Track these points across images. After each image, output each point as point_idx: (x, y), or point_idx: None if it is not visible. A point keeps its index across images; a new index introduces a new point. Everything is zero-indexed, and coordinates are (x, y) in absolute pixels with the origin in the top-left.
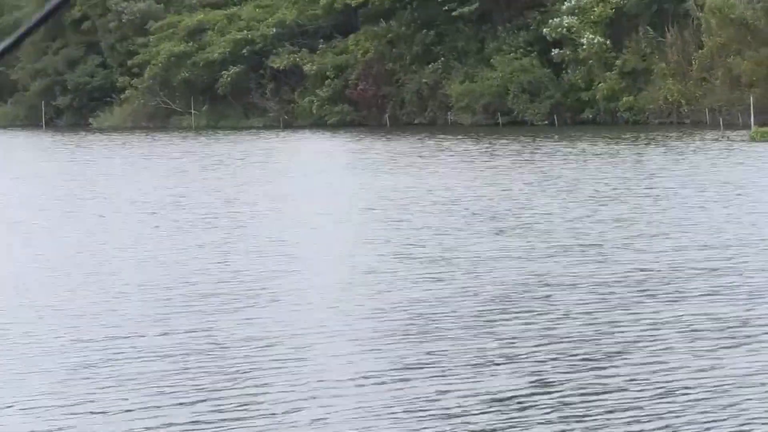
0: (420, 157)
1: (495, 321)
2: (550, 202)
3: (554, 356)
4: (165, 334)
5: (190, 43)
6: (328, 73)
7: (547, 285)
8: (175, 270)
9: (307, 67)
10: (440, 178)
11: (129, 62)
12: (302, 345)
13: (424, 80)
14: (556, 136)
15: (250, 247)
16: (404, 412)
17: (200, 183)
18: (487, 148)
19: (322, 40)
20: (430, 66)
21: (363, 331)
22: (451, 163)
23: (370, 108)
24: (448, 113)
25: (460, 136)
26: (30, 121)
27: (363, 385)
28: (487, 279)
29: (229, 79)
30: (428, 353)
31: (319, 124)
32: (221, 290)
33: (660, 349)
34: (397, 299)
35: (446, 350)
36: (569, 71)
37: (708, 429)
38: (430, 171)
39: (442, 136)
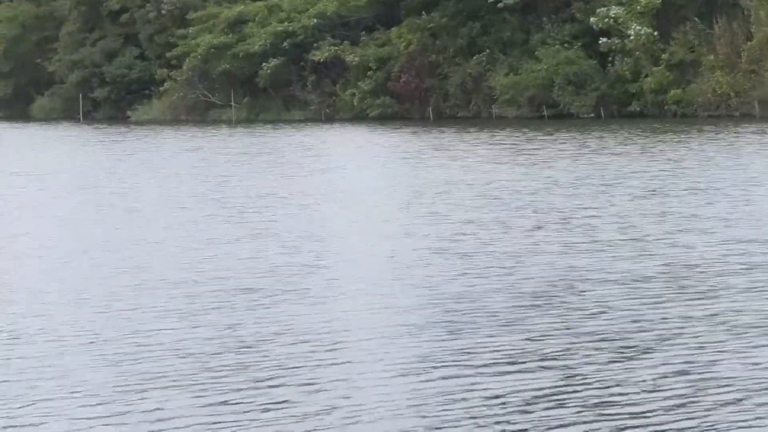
0: (462, 150)
1: (529, 316)
2: (595, 196)
3: (590, 352)
4: (195, 327)
5: (230, 35)
6: (370, 66)
7: (586, 280)
8: (210, 264)
9: (348, 59)
10: (483, 172)
11: (168, 54)
12: (335, 340)
13: (468, 72)
14: (602, 129)
15: (284, 242)
16: (434, 407)
17: (239, 177)
18: (531, 141)
19: (363, 32)
20: (474, 58)
21: (396, 327)
22: (494, 156)
23: (413, 101)
24: (493, 106)
25: (504, 129)
26: (67, 114)
27: (393, 381)
28: (524, 274)
29: (269, 71)
30: (460, 349)
31: (360, 117)
32: (256, 285)
33: (698, 345)
34: (432, 294)
35: (479, 345)
36: (616, 63)
37: (748, 428)
38: (472, 164)
39: (486, 129)
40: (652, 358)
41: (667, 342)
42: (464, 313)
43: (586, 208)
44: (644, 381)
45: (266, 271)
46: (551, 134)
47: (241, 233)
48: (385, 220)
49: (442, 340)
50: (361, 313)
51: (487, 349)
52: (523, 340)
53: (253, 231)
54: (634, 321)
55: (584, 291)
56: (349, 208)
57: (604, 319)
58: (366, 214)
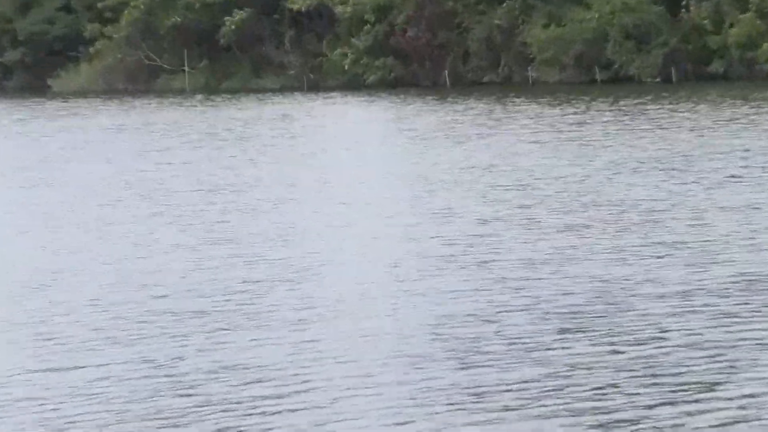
0: (489, 127)
1: (559, 343)
2: (661, 185)
3: (638, 390)
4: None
5: None
6: (366, 17)
7: (636, 295)
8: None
9: (338, 9)
10: (514, 155)
11: (100, 4)
12: (311, 374)
13: (495, 23)
14: (672, 96)
15: (256, 248)
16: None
17: (193, 165)
18: (576, 114)
19: None
20: (503, 5)
21: (393, 357)
22: (530, 134)
23: (423, 62)
24: (528, 68)
25: (542, 99)
26: None
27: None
28: (555, 287)
29: (233, 26)
30: (471, 387)
31: (354, 84)
32: (204, 308)
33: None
34: (438, 314)
35: (495, 382)
36: (690, 9)
37: None
38: (500, 145)
39: (518, 98)
40: (719, 397)
41: (739, 375)
42: (476, 339)
43: (635, 201)
44: (711, 428)
45: (222, 291)
46: (605, 104)
47: (190, 239)
48: (387, 218)
49: (449, 374)
50: (349, 341)
51: (503, 388)
52: (549, 375)
53: (210, 237)
54: (697, 348)
55: (633, 309)
56: (341, 205)
57: (657, 347)
58: (363, 211)
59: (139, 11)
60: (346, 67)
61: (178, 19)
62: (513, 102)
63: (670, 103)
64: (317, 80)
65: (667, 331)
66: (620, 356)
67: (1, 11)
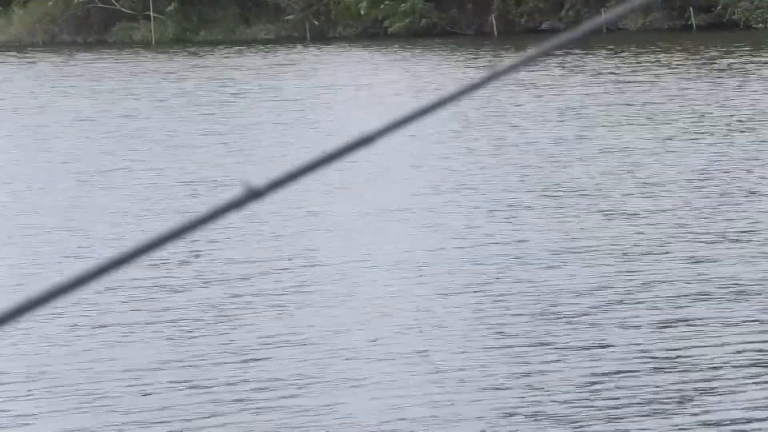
0: (553, 89)
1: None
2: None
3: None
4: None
5: None
6: None
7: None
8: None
9: None
10: (558, 128)
11: None
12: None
13: None
14: None
15: (248, 249)
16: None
17: (175, 145)
18: (660, 69)
19: None
20: None
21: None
22: (590, 96)
23: (463, 5)
24: (602, 10)
25: (619, 51)
26: None
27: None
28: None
29: None
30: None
31: (372, 33)
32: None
33: None
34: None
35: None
36: None
37: None
38: (551, 115)
39: (594, 50)
40: None
41: None
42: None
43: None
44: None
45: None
46: (697, 57)
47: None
48: (409, 210)
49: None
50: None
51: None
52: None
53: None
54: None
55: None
56: (354, 190)
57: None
58: (378, 196)
59: None
60: (362, 11)
61: None
62: (587, 55)
63: None
64: (323, 28)
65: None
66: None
67: None
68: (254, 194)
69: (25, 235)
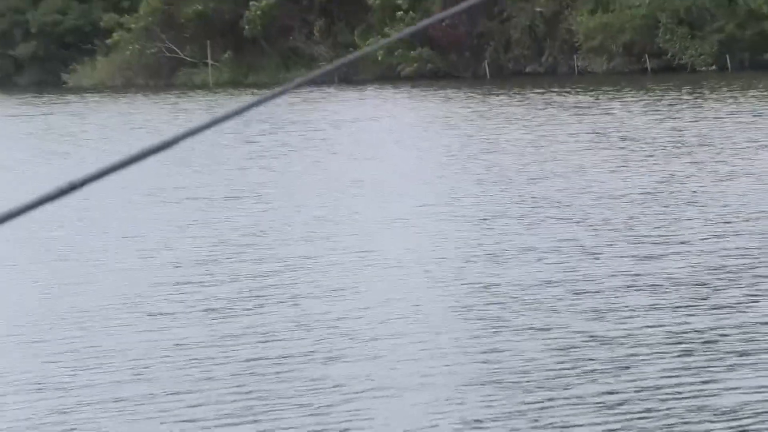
0: (530, 120)
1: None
2: (719, 187)
3: None
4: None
5: None
6: (399, 3)
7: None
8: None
9: None
10: (551, 159)
11: None
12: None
13: (538, 10)
14: (728, 86)
15: (275, 273)
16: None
17: (243, 171)
18: (625, 106)
19: None
20: None
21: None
22: (573, 131)
23: (462, 52)
24: (574, 56)
25: (589, 90)
26: None
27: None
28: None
29: (259, 13)
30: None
31: (388, 76)
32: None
33: None
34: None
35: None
36: None
37: None
38: (539, 143)
39: (563, 90)
40: None
41: None
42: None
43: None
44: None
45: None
46: (654, 97)
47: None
48: (424, 224)
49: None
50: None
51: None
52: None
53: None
54: None
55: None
56: (392, 205)
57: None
58: (395, 218)
59: (159, 0)
60: (380, 58)
61: (200, 7)
62: (557, 94)
63: (723, 94)
64: (349, 73)
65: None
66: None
67: (11, 2)
68: (73, 187)
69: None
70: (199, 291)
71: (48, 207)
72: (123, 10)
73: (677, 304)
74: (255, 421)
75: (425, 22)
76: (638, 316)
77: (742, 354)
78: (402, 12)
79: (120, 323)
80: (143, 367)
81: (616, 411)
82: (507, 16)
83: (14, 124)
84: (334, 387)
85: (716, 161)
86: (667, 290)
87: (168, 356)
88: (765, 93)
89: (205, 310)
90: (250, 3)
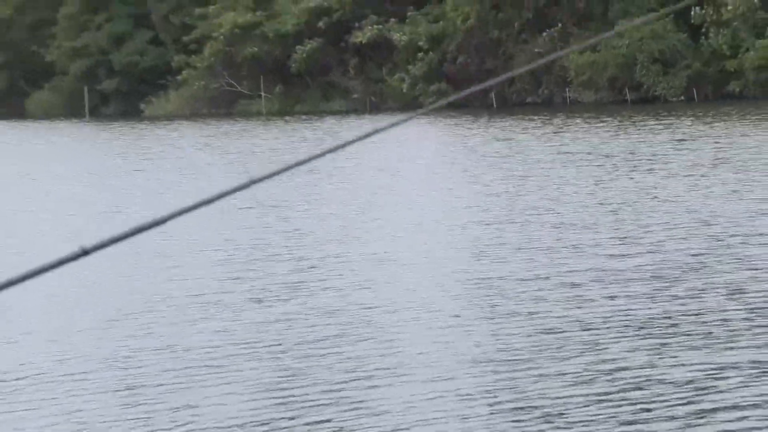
0: (536, 145)
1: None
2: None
3: None
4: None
5: (258, 13)
6: (420, 45)
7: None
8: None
9: (395, 39)
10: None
11: (185, 38)
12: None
13: (536, 51)
14: (695, 114)
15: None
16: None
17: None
18: (600, 128)
19: (412, 7)
20: (543, 34)
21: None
22: (568, 150)
23: (472, 86)
24: (566, 90)
25: (578, 117)
26: (71, 110)
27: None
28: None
29: (304, 55)
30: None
31: (411, 106)
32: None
33: None
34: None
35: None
36: (710, 37)
37: None
38: (529, 166)
39: (558, 117)
40: None
41: None
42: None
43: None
44: None
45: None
46: (632, 123)
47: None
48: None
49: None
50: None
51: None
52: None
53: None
54: None
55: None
56: (409, 221)
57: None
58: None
59: (221, 43)
60: (404, 90)
61: (255, 49)
62: (551, 120)
63: (692, 121)
64: (378, 103)
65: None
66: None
67: (98, 44)
68: (84, 252)
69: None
70: (246, 283)
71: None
72: (191, 51)
73: (641, 294)
74: (284, 392)
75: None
76: (608, 304)
77: (693, 335)
78: (422, 53)
79: (186, 314)
80: (185, 348)
81: (589, 383)
82: (510, 56)
83: (101, 145)
84: (352, 365)
85: (677, 174)
86: (633, 282)
87: (219, 336)
88: (725, 119)
89: (251, 300)
90: (297, 47)
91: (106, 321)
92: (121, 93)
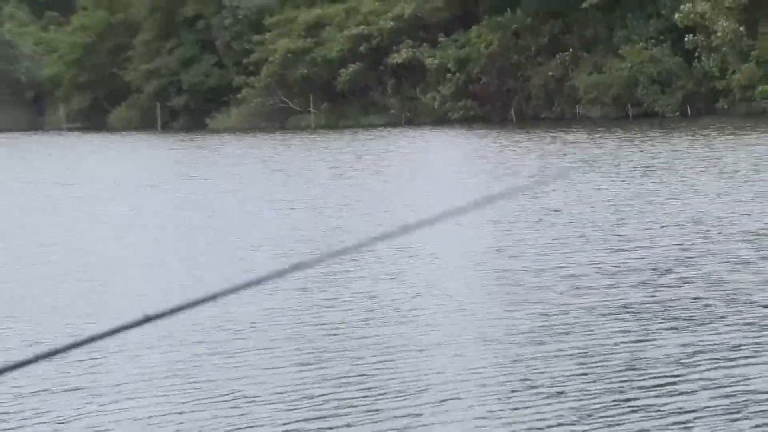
0: (537, 149)
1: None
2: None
3: None
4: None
5: (308, 39)
6: (449, 68)
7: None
8: None
9: (427, 62)
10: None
11: (245, 61)
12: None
13: (550, 73)
14: (690, 127)
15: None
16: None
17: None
18: (611, 143)
19: (442, 34)
20: (556, 57)
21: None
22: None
23: (494, 103)
24: (576, 106)
25: (587, 130)
26: (145, 123)
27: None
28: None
29: (347, 77)
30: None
31: (442, 120)
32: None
33: None
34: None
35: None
36: (702, 59)
37: None
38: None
39: (567, 130)
40: None
41: None
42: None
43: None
44: None
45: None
46: (633, 135)
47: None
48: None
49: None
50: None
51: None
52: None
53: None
54: None
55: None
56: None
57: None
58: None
59: (276, 66)
60: (435, 107)
61: (305, 71)
62: (562, 133)
63: (688, 132)
64: (412, 118)
65: None
66: None
67: (169, 67)
68: (148, 319)
69: None
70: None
71: None
72: (250, 73)
73: (628, 284)
74: (317, 367)
75: None
76: (604, 293)
77: (678, 319)
78: (450, 74)
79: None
80: (237, 330)
81: (586, 360)
82: (527, 77)
83: (170, 155)
84: (377, 345)
85: (668, 180)
86: (628, 273)
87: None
88: (714, 132)
89: (294, 289)
90: (341, 69)
91: None
92: (189, 109)
